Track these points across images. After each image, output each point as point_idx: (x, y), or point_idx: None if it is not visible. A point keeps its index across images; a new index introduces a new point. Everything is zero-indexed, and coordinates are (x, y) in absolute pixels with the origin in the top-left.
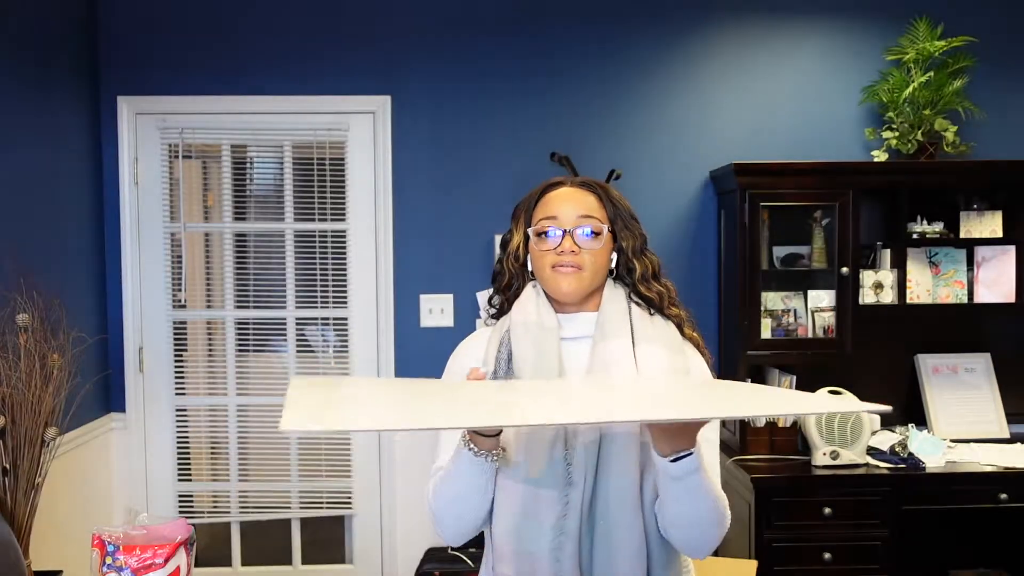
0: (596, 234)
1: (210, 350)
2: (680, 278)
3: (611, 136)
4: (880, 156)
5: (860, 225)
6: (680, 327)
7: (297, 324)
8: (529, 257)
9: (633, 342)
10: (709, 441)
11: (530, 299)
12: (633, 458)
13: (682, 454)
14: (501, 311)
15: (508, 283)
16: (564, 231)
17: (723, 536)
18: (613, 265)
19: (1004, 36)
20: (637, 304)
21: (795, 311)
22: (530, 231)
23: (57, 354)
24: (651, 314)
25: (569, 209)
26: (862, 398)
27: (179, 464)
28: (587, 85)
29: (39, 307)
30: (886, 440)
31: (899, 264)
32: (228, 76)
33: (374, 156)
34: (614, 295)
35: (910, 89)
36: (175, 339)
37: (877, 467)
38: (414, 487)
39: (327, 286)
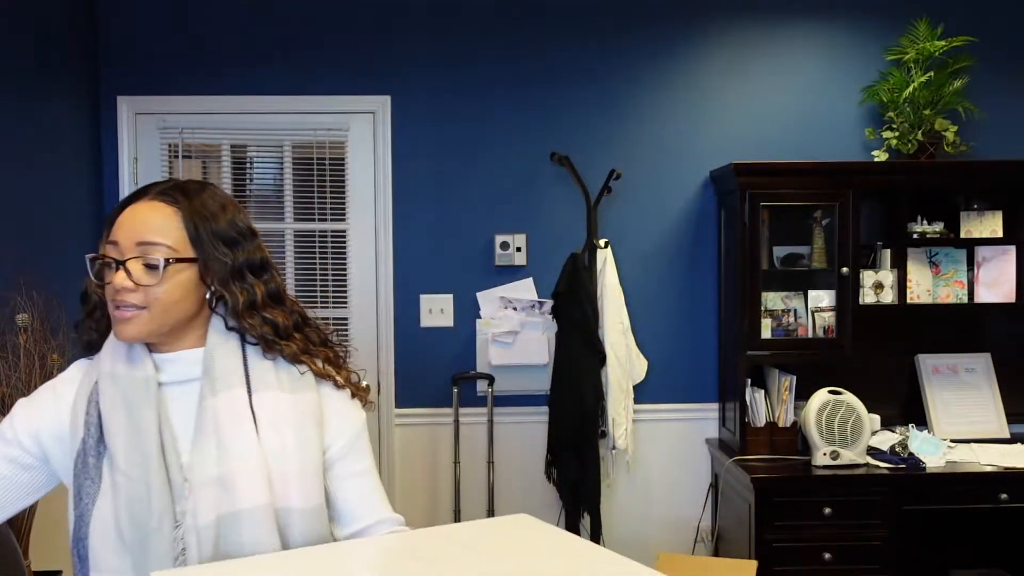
0: (154, 267)
1: None
2: (680, 278)
3: (611, 136)
4: (880, 156)
5: (860, 225)
6: (298, 359)
7: None
8: None
9: (249, 391)
10: (356, 474)
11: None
12: (272, 539)
13: None
14: (92, 345)
15: (92, 310)
16: (118, 263)
17: None
18: (208, 296)
19: (1004, 36)
20: (250, 344)
21: (795, 311)
22: (87, 257)
23: (57, 354)
24: (267, 355)
25: (128, 233)
26: (862, 398)
27: None
28: (587, 85)
29: (39, 307)
30: (886, 440)
31: (899, 264)
32: (228, 76)
33: (374, 156)
34: (223, 336)
35: (910, 89)
36: None
37: (877, 467)
38: (413, 485)
39: (327, 286)
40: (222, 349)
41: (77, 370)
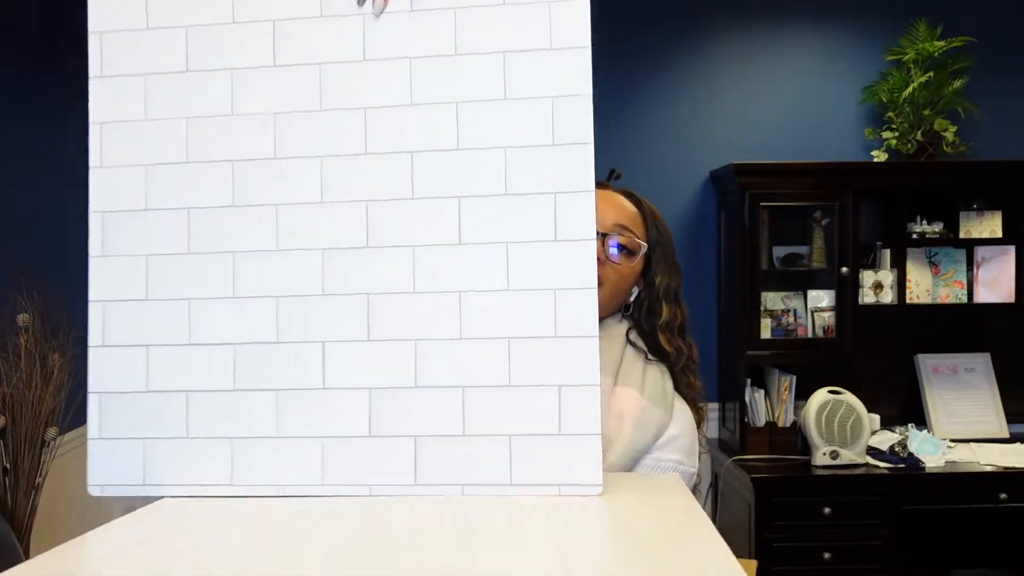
0: (631, 252)
1: None
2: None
3: (611, 136)
4: (880, 156)
5: (860, 225)
6: (691, 398)
7: None
8: None
9: (615, 382)
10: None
11: None
12: None
13: None
14: None
15: None
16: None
17: None
18: (632, 299)
19: (1004, 36)
20: (632, 344)
21: (795, 311)
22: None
23: (57, 354)
24: (646, 358)
25: (607, 213)
26: (862, 398)
27: None
28: None
29: (39, 307)
30: (886, 440)
31: (899, 264)
32: None
33: None
34: (614, 328)
35: (910, 89)
36: None
37: (877, 467)
38: None
39: None
40: (608, 340)
41: None
